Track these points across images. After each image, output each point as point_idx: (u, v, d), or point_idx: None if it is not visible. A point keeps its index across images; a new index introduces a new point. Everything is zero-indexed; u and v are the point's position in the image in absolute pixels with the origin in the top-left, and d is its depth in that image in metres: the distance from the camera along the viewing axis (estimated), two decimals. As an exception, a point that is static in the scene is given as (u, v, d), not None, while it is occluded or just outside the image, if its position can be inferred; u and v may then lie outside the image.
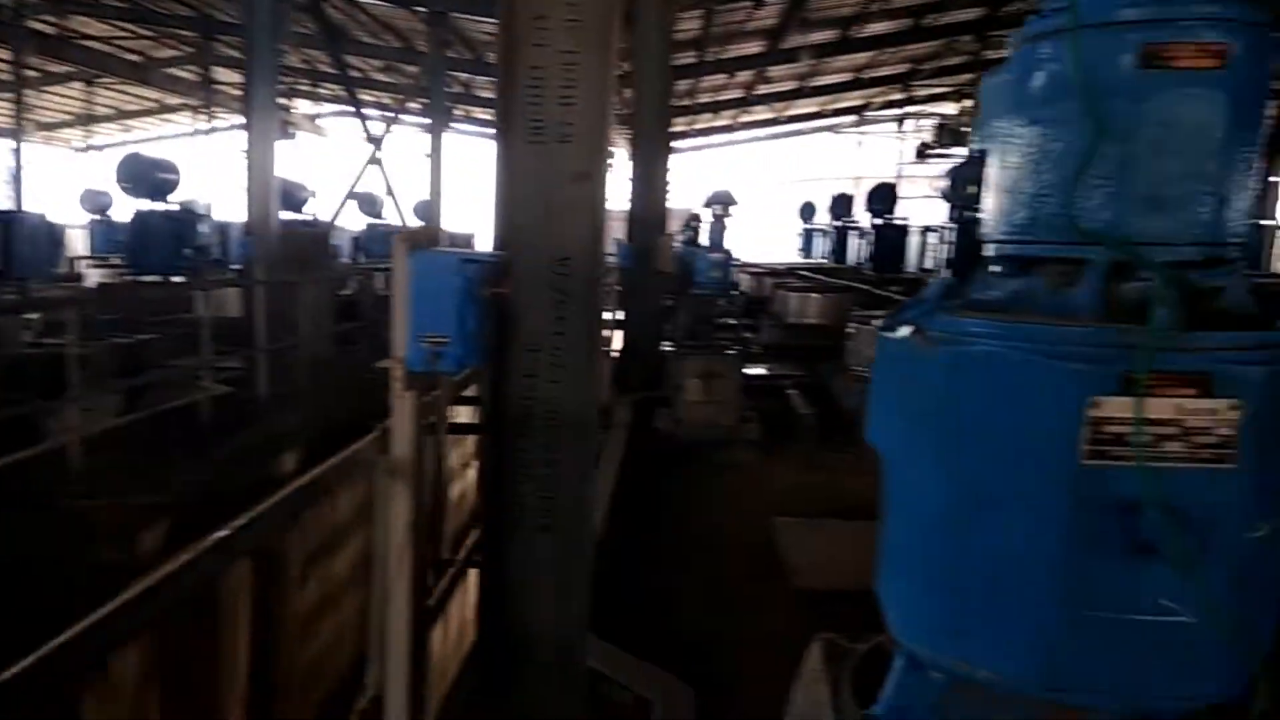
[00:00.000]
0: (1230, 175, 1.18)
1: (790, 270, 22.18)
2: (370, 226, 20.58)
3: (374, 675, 3.04)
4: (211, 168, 20.07)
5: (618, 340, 12.55)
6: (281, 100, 19.59)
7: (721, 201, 10.50)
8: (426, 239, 2.64)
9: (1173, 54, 1.16)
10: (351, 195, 12.41)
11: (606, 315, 11.97)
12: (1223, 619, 1.12)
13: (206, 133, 20.89)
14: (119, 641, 6.28)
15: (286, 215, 16.96)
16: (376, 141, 11.54)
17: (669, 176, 12.63)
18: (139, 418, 8.90)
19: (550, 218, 3.52)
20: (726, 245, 10.82)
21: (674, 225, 13.33)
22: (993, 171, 1.29)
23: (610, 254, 12.62)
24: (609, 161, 3.46)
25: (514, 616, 3.88)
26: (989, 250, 1.31)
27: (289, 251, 10.98)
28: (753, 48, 20.93)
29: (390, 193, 12.32)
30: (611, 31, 3.19)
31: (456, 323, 2.57)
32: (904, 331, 1.31)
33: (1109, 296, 1.15)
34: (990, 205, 1.27)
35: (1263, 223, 26.64)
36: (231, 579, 8.19)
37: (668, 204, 12.69)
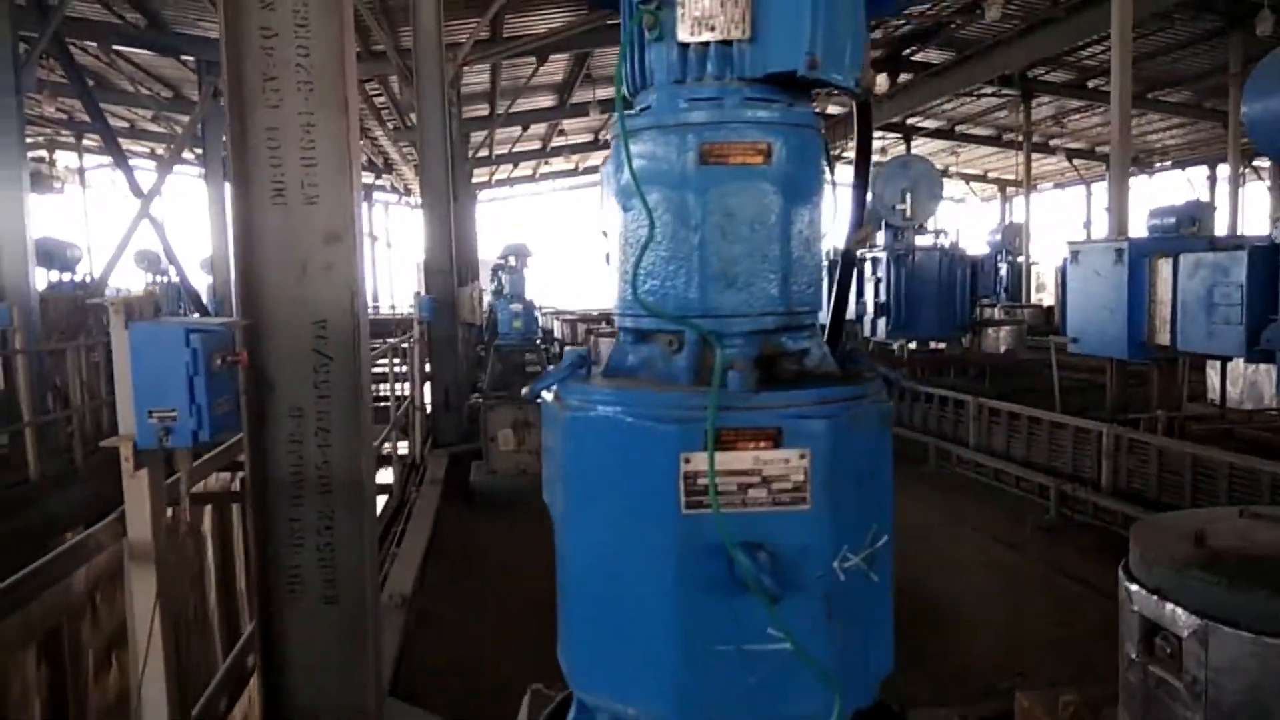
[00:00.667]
0: (789, 253, 1.35)
1: (605, 316, 22.62)
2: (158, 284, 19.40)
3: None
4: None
5: (429, 394, 12.35)
6: (39, 153, 18.22)
7: (516, 253, 10.59)
8: (147, 308, 2.53)
9: (726, 152, 1.33)
10: (124, 252, 11.64)
11: (412, 368, 11.74)
12: (825, 643, 1.26)
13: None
14: None
15: (54, 276, 15.72)
16: (146, 195, 10.90)
17: (475, 227, 12.63)
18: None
19: (305, 280, 3.45)
20: (528, 295, 10.89)
21: (485, 276, 13.33)
22: (608, 250, 1.42)
23: (411, 307, 12.43)
24: (357, 221, 3.43)
25: (299, 692, 3.72)
26: (618, 322, 1.42)
27: (54, 316, 10.17)
28: (545, 101, 21.33)
29: (167, 249, 11.67)
30: (349, 89, 3.18)
31: (186, 396, 2.47)
32: (547, 397, 1.39)
33: (701, 364, 1.28)
34: (611, 280, 1.39)
35: (1017, 259, 29.40)
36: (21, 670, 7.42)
37: (476, 254, 12.68)
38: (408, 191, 31.19)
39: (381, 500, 10.30)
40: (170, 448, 2.53)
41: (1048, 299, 28.71)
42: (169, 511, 2.81)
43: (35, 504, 8.58)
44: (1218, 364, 11.39)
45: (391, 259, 36.03)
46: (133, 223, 11.00)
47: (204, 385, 2.48)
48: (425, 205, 11.00)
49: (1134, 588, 3.59)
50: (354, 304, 3.49)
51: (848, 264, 1.78)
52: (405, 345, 11.54)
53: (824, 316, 1.55)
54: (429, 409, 12.25)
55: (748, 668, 1.28)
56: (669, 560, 1.29)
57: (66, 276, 15.75)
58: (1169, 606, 3.38)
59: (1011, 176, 36.37)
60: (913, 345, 17.31)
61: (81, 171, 20.74)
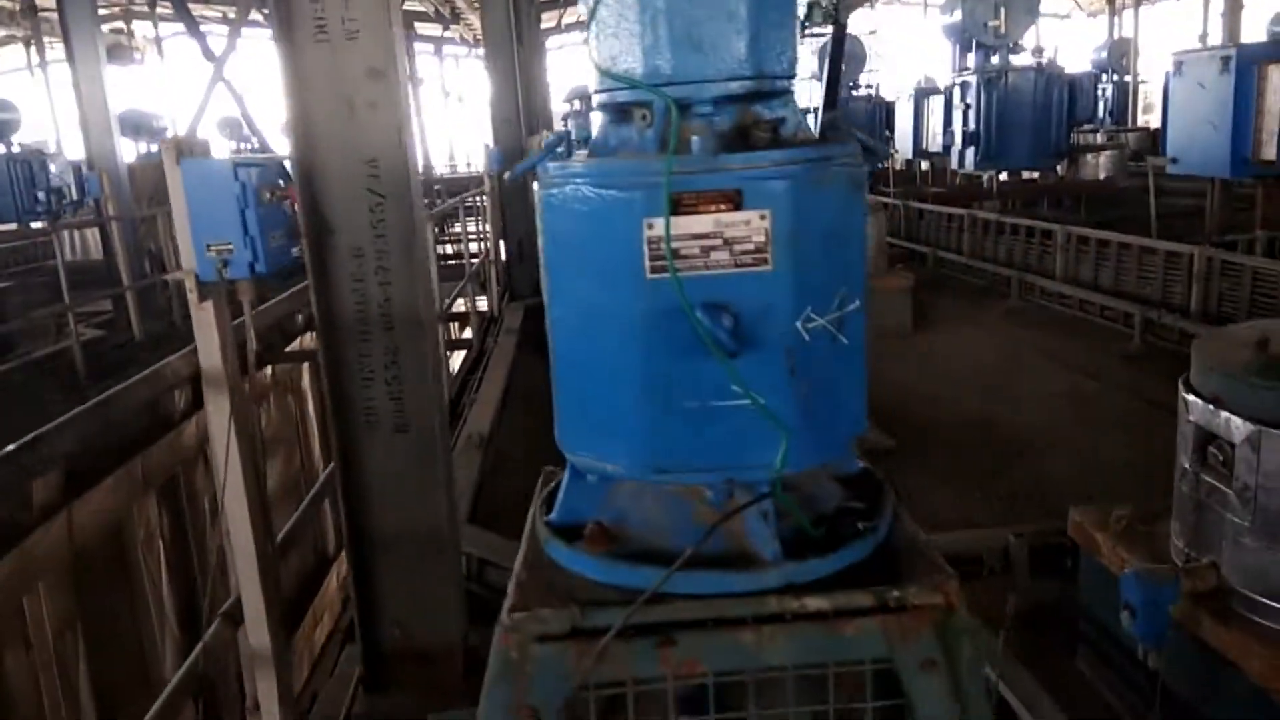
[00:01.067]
0: (759, 13, 1.31)
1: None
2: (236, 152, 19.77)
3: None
4: (56, 104, 18.86)
5: (503, 248, 12.49)
6: (117, 24, 18.41)
7: (581, 95, 10.39)
8: (199, 147, 2.64)
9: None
10: (202, 119, 11.85)
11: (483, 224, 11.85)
12: (786, 399, 1.32)
13: (41, 66, 19.51)
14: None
15: (142, 147, 16.19)
16: (218, 59, 10.97)
17: (544, 73, 12.37)
18: (9, 368, 8.62)
19: (353, 119, 3.51)
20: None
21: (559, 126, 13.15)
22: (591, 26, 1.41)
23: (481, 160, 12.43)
24: (401, 58, 3.45)
25: (379, 517, 4.00)
26: (596, 100, 1.43)
27: (142, 184, 10.55)
28: (617, -70, 20.28)
29: (245, 115, 11.82)
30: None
31: (240, 229, 2.59)
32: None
33: (667, 134, 1.29)
34: (590, 57, 1.39)
35: (1124, 79, 27.37)
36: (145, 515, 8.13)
37: (548, 102, 12.46)
38: (477, 42, 30.59)
39: (462, 354, 10.65)
40: (230, 280, 2.68)
41: (1155, 121, 26.86)
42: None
43: (139, 363, 9.15)
44: (1331, 181, 10.64)
45: (464, 115, 35.64)
46: (207, 89, 11.13)
47: (255, 218, 2.59)
48: (488, 50, 10.79)
49: (1190, 398, 3.56)
50: (402, 141, 3.55)
51: (837, 36, 1.73)
52: (478, 199, 11.61)
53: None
54: (505, 262, 12.43)
55: (714, 422, 1.35)
56: (637, 324, 1.35)
57: (154, 147, 16.18)
58: (1223, 415, 3.35)
59: (1121, -13, 33.48)
60: (1004, 176, 16.55)
61: (158, 41, 20.94)
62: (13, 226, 12.63)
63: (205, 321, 2.77)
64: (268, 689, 3.25)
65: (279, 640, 3.24)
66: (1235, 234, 10.08)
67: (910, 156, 21.82)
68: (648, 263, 1.30)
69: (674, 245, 1.29)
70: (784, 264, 1.31)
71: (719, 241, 1.30)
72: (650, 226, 1.29)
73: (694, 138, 1.29)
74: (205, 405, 2.96)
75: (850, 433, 1.46)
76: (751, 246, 1.30)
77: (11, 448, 5.77)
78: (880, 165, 21.35)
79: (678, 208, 1.29)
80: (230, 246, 2.63)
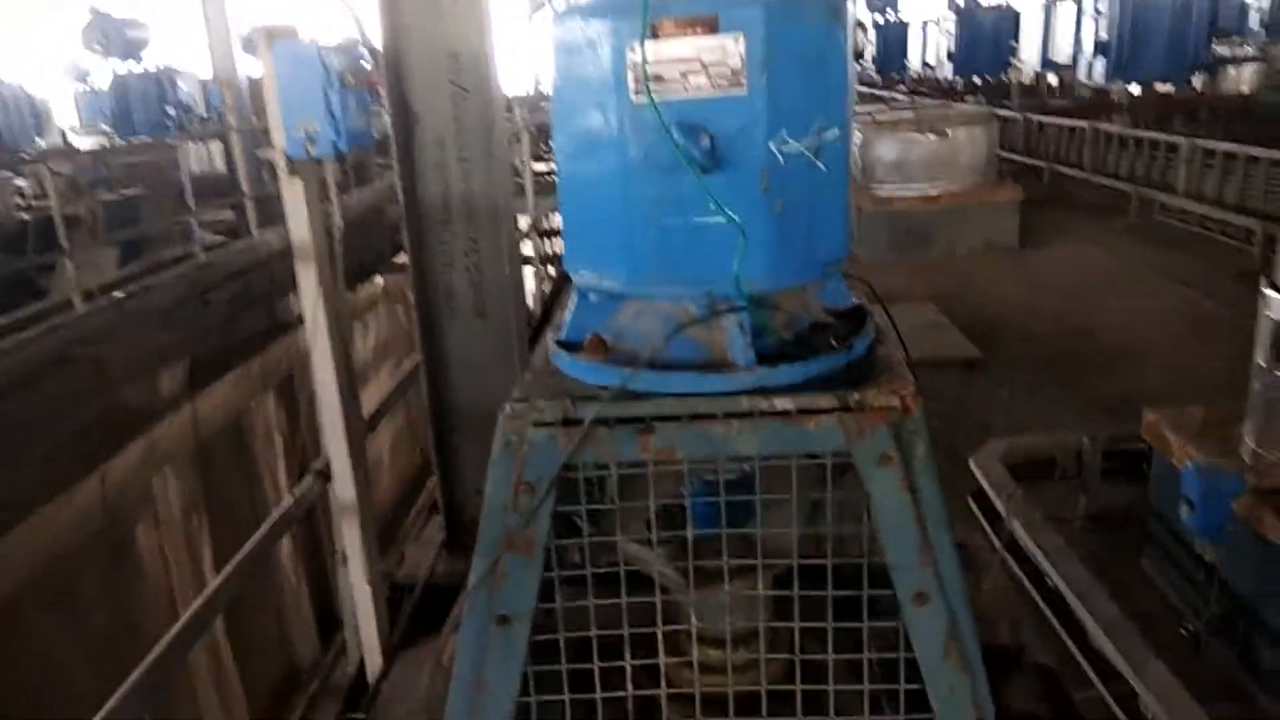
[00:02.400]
0: None
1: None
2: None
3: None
4: (184, 24, 19.67)
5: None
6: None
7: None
8: (287, 32, 2.83)
9: None
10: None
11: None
12: (761, 216, 1.41)
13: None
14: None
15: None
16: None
17: None
18: (138, 270, 9.29)
19: (438, 13, 3.67)
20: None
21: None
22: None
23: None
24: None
25: (459, 394, 4.26)
26: None
27: (261, 98, 11.04)
28: None
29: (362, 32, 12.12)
30: None
31: (325, 110, 2.79)
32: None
33: None
34: None
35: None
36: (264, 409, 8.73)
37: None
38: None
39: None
40: (316, 157, 2.89)
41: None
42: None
43: (262, 266, 9.71)
44: None
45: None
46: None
47: (338, 100, 2.78)
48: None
49: (1271, 294, 3.46)
50: (484, 37, 3.70)
51: None
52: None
53: None
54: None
55: (696, 237, 1.46)
56: (625, 145, 1.45)
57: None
58: (1304, 309, 3.26)
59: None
60: (1136, 89, 15.61)
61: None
62: (146, 140, 13.42)
63: (295, 196, 3.00)
64: (354, 540, 3.56)
65: (364, 495, 3.53)
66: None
67: (1038, 68, 20.78)
68: (631, 85, 1.41)
69: (655, 70, 1.39)
70: (758, 87, 1.39)
71: (697, 66, 1.39)
72: (634, 50, 1.39)
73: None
74: (297, 277, 3.21)
75: (830, 255, 1.55)
76: (727, 70, 1.39)
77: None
78: (1006, 65, 20.39)
79: (658, 33, 1.38)
80: (316, 125, 2.83)
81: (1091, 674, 3.32)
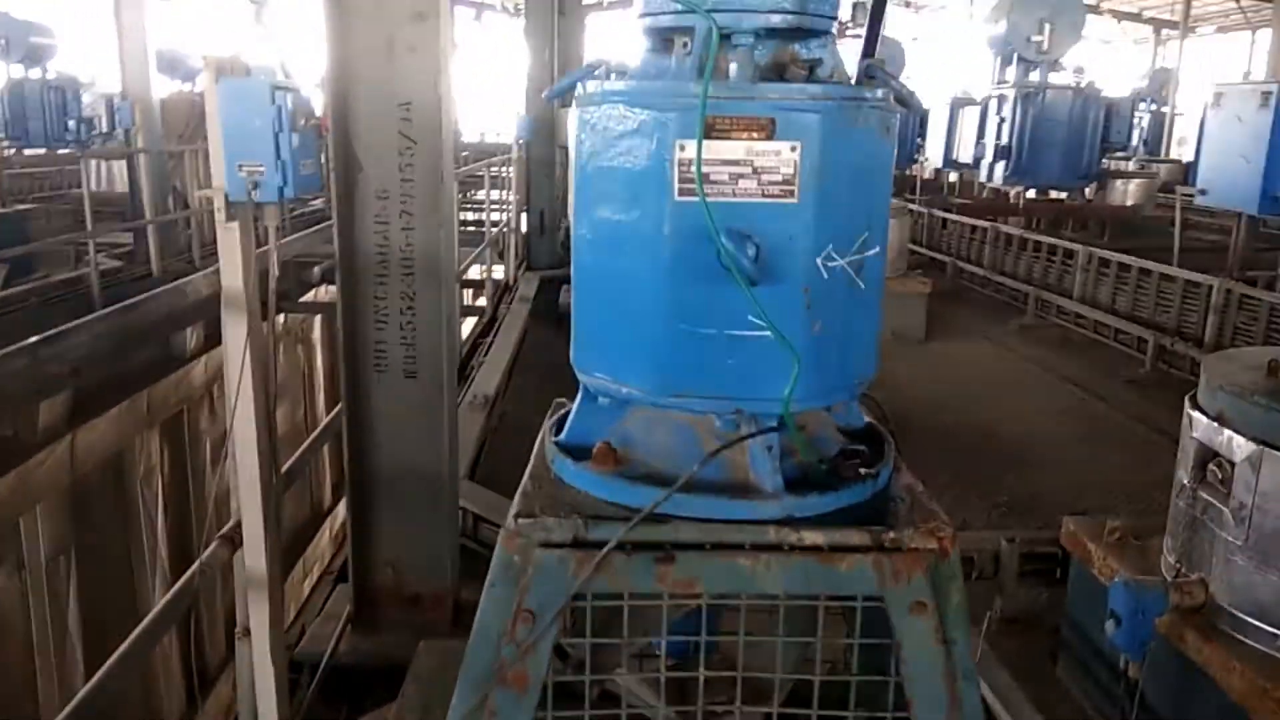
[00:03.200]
0: None
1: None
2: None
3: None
4: (93, 36, 18.90)
5: (525, 220, 12.49)
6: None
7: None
8: (238, 68, 2.66)
9: None
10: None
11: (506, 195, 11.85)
12: (800, 331, 1.34)
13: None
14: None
15: (175, 85, 16.22)
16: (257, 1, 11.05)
17: (582, 48, 12.33)
18: (25, 289, 8.67)
19: (391, 60, 3.54)
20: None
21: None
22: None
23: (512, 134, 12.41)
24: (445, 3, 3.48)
25: (383, 456, 4.04)
26: (641, 26, 1.45)
27: (173, 120, 10.59)
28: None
29: (282, 63, 11.87)
30: None
31: (273, 152, 2.62)
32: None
33: (705, 59, 1.30)
34: None
35: (1162, 108, 27.08)
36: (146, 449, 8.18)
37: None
38: (518, 11, 30.53)
39: (474, 320, 10.69)
40: (258, 202, 2.70)
41: (1189, 155, 26.59)
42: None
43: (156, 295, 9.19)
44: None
45: (497, 85, 35.55)
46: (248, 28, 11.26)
47: (288, 143, 2.61)
48: (528, 18, 10.80)
49: (1195, 414, 3.57)
50: (438, 86, 3.58)
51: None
52: (503, 170, 11.59)
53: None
54: (525, 233, 12.45)
55: (729, 350, 1.38)
56: (662, 246, 1.37)
57: (187, 87, 16.24)
58: (1227, 433, 3.36)
59: (1168, 16, 33.16)
60: (1031, 193, 16.46)
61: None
62: (41, 152, 12.69)
63: (230, 240, 2.80)
64: (260, 614, 3.29)
65: (275, 565, 3.28)
66: (1257, 271, 10.04)
67: (940, 165, 21.78)
68: (676, 184, 1.32)
69: (704, 170, 1.31)
70: (810, 198, 1.32)
71: (748, 170, 1.32)
72: (682, 148, 1.30)
73: (732, 64, 1.32)
74: (223, 326, 2.99)
75: (860, 376, 1.49)
76: (779, 178, 1.32)
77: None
78: (912, 162, 21.26)
79: (710, 132, 1.31)
80: (261, 168, 2.65)
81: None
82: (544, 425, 1.60)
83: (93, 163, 11.57)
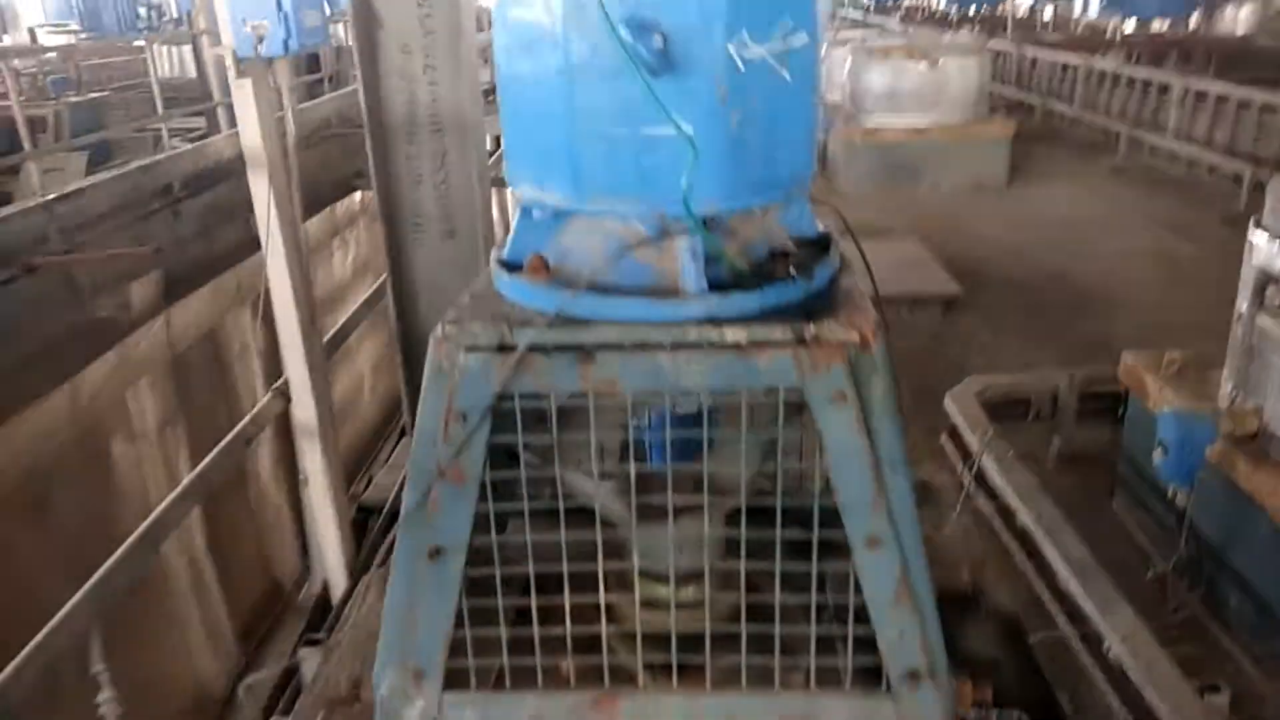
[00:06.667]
0: None
1: None
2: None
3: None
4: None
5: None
6: None
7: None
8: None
9: None
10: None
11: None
12: (718, 128, 1.28)
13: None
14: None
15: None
16: None
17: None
18: (108, 176, 8.96)
19: (406, -94, 3.46)
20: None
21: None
22: None
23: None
24: None
25: (424, 316, 4.13)
26: None
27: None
28: None
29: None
30: None
31: (274, 6, 2.62)
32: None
33: None
34: None
35: None
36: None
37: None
38: None
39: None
40: (266, 56, 2.72)
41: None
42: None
43: (232, 175, 9.40)
44: None
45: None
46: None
47: (293, -6, 2.62)
48: None
49: (1257, 237, 3.37)
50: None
51: None
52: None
53: None
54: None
55: (645, 151, 1.33)
56: (567, 42, 1.32)
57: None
58: (1289, 253, 3.18)
59: None
60: (1129, 27, 15.29)
61: None
62: (115, 40, 12.91)
63: (244, 97, 2.84)
64: (315, 461, 3.48)
65: (325, 415, 3.44)
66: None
67: (1033, 1, 20.37)
68: None
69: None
70: None
71: None
72: None
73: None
74: (250, 185, 3.07)
75: (793, 177, 1.43)
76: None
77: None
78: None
79: None
80: (265, 23, 2.66)
81: (1057, 615, 3.32)
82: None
83: (163, 49, 11.74)
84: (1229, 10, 16.39)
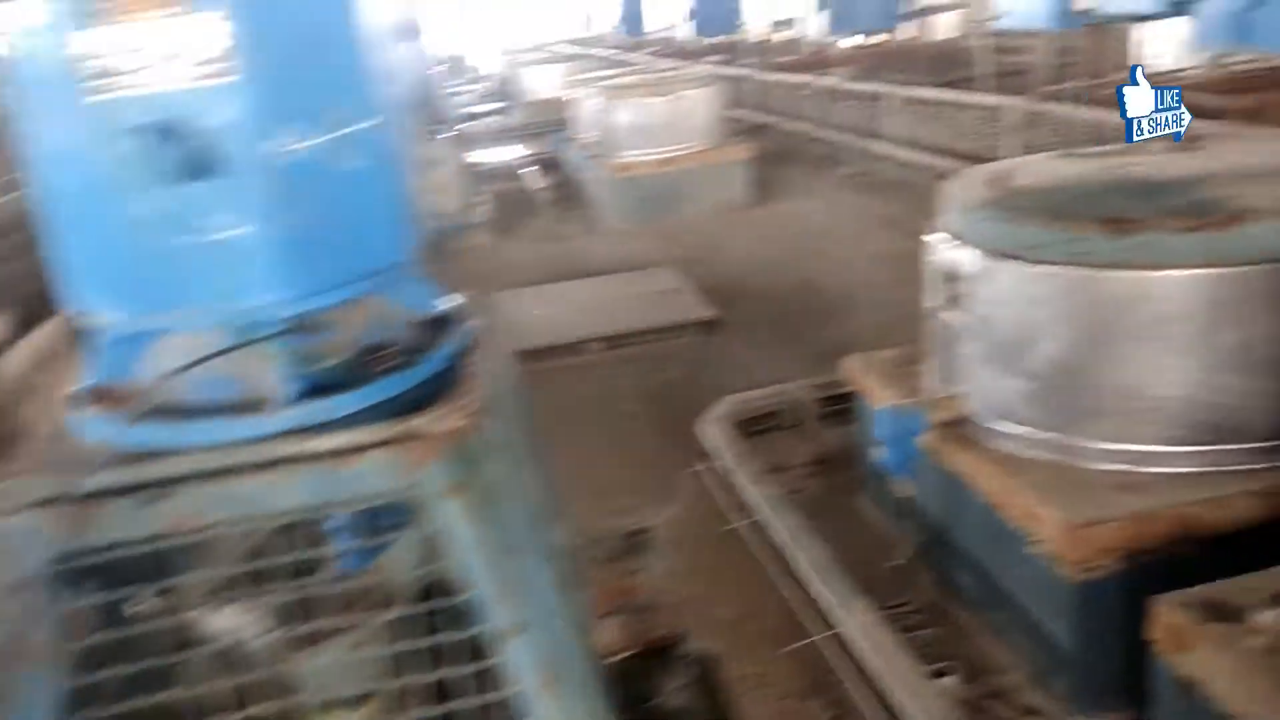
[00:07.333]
0: None
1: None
2: None
3: None
4: None
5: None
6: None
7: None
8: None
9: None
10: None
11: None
12: (278, 227, 1.23)
13: None
14: None
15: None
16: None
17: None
18: None
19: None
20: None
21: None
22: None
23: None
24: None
25: None
26: None
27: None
28: None
29: None
30: None
31: None
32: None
33: None
34: None
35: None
36: None
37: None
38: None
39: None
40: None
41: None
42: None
43: None
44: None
45: None
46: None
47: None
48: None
49: (933, 236, 3.66)
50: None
51: None
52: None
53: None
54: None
55: (198, 258, 1.26)
56: (92, 156, 1.22)
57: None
58: (961, 249, 3.45)
59: None
60: (849, 43, 16.49)
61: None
62: None
63: None
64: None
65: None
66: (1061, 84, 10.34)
67: (766, 27, 21.62)
68: (79, 85, 1.18)
69: (110, 61, 1.16)
70: (246, 76, 1.18)
71: (165, 53, 1.17)
72: (77, 41, 1.15)
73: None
74: None
75: (379, 265, 1.38)
76: (208, 56, 1.18)
77: None
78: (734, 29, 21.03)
79: (106, 15, 1.15)
80: None
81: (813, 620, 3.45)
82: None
83: None
84: (941, 19, 18.04)
